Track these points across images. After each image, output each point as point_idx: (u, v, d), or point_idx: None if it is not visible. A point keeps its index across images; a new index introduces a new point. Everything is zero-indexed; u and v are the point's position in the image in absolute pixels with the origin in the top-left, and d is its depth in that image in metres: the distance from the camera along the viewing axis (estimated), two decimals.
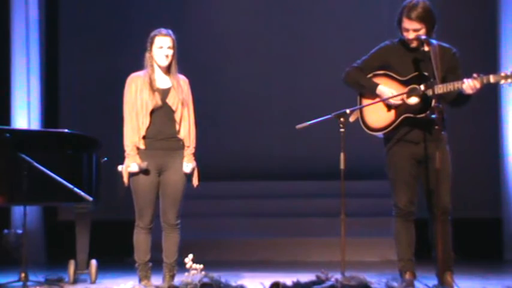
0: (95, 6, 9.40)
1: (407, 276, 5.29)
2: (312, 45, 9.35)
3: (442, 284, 5.16)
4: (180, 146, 5.60)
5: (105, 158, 6.51)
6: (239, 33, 9.42)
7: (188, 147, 5.60)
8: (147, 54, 5.58)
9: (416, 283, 5.32)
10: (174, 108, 5.54)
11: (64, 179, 5.76)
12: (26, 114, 8.36)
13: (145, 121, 5.52)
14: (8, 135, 5.95)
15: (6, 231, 8.08)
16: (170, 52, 5.53)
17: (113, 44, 9.29)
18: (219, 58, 9.36)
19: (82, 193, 5.73)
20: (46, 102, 8.75)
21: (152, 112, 5.53)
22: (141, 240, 5.61)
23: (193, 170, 5.62)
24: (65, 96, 9.33)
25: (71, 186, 5.73)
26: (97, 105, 9.18)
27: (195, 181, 5.66)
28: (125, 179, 5.54)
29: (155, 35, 5.54)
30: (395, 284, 4.94)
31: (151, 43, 5.55)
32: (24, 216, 5.89)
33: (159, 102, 5.51)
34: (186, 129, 5.59)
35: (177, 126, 5.56)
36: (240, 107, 9.34)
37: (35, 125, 8.37)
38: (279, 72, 9.40)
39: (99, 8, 9.41)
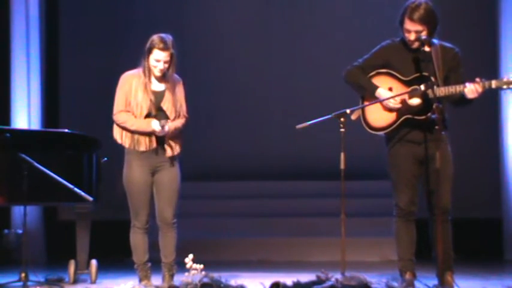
0: (95, 6, 9.39)
1: (408, 276, 5.29)
2: (312, 45, 9.34)
3: (442, 284, 5.16)
4: None
5: (105, 158, 6.50)
6: (239, 33, 9.41)
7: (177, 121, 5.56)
8: (144, 60, 5.54)
9: (416, 283, 5.32)
10: (168, 113, 5.54)
11: (64, 179, 5.75)
12: (26, 114, 8.36)
13: None
14: (8, 135, 5.95)
15: (6, 231, 8.08)
16: (166, 66, 5.51)
17: (113, 43, 9.28)
18: (218, 58, 9.35)
19: (82, 193, 5.73)
20: (46, 102, 8.75)
21: (147, 115, 5.52)
22: (138, 240, 5.61)
23: (163, 127, 5.45)
24: (65, 96, 9.33)
25: (71, 186, 5.73)
26: (97, 105, 9.15)
27: (169, 151, 5.54)
28: (164, 131, 5.44)
29: (153, 47, 5.47)
30: (395, 284, 4.94)
31: (149, 52, 5.50)
32: (24, 216, 5.88)
33: (154, 107, 5.50)
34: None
35: None
36: (239, 107, 9.33)
37: (35, 125, 8.37)
38: (279, 72, 9.39)
39: (100, 8, 9.39)
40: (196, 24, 9.36)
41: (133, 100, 5.51)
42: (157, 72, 5.52)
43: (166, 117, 5.53)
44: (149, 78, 5.54)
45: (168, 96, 5.54)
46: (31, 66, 8.46)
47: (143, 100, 5.50)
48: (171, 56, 5.50)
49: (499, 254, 8.05)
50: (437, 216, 5.14)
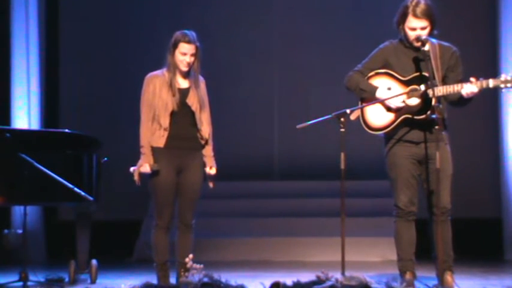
0: (96, 6, 9.39)
1: (408, 276, 5.29)
2: (313, 45, 9.35)
3: (442, 284, 5.16)
4: (199, 146, 5.62)
5: (105, 158, 6.50)
6: (239, 33, 9.42)
7: (209, 148, 5.66)
8: (169, 56, 5.54)
9: (416, 283, 5.32)
10: (193, 108, 5.54)
11: (64, 179, 5.75)
12: (26, 114, 8.36)
13: (166, 121, 5.50)
14: (8, 135, 5.95)
15: (6, 231, 8.08)
16: (192, 59, 5.52)
17: (113, 44, 9.28)
18: (219, 58, 9.35)
19: (82, 193, 5.73)
20: (46, 102, 8.75)
21: (172, 112, 5.52)
22: (160, 240, 5.58)
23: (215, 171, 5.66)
24: (65, 96, 9.33)
25: (71, 186, 5.73)
26: (97, 106, 9.18)
27: (212, 183, 5.68)
28: (136, 177, 5.51)
29: (180, 41, 5.48)
30: (395, 284, 4.93)
31: (175, 47, 5.50)
32: (24, 216, 5.88)
33: (179, 103, 5.50)
34: (206, 130, 5.63)
35: (197, 127, 5.58)
36: (239, 106, 9.33)
37: (35, 125, 8.37)
38: (279, 72, 9.40)
39: (100, 8, 9.40)
40: (197, 26, 9.32)
41: (159, 99, 5.51)
42: (184, 66, 5.51)
43: (192, 112, 5.53)
44: (174, 74, 5.54)
45: (193, 92, 5.55)
46: (31, 67, 8.46)
47: (168, 97, 5.50)
48: (197, 49, 5.51)
49: (499, 254, 8.05)
50: (437, 216, 5.14)
